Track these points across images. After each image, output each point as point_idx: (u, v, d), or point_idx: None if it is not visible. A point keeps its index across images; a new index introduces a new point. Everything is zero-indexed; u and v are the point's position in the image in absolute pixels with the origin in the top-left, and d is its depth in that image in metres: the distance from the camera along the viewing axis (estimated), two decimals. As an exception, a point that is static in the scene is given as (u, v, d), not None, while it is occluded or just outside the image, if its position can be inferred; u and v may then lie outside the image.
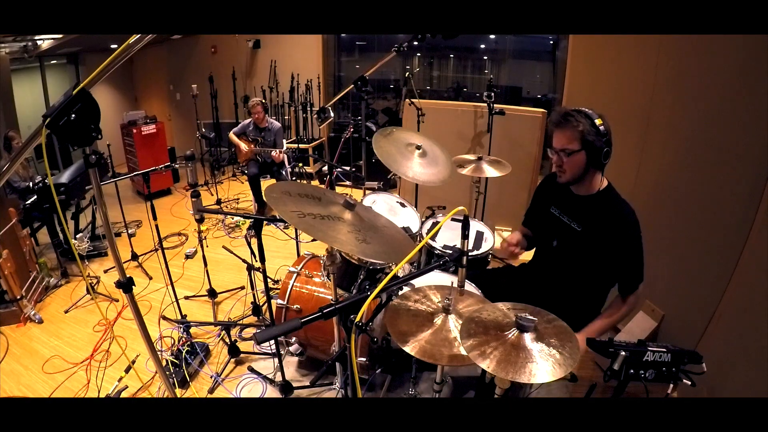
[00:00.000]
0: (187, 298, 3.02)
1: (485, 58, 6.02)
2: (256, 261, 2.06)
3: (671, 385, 1.38)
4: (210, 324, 2.75)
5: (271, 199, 1.28)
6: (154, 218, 2.67)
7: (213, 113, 6.21)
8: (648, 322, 2.38)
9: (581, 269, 1.68)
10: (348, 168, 4.23)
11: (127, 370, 2.31)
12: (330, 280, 1.72)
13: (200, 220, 2.29)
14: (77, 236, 3.69)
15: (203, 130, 5.56)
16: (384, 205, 2.52)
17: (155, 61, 6.67)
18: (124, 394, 2.19)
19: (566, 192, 1.71)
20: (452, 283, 1.29)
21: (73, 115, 1.04)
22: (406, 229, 2.13)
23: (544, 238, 1.87)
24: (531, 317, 1.09)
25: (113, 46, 1.72)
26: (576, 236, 1.67)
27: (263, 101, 4.42)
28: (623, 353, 1.35)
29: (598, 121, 1.52)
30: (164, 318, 2.82)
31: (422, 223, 2.42)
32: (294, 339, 2.17)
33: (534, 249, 2.01)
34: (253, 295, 2.79)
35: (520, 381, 0.97)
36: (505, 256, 1.92)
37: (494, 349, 1.04)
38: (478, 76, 6.02)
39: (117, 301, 3.01)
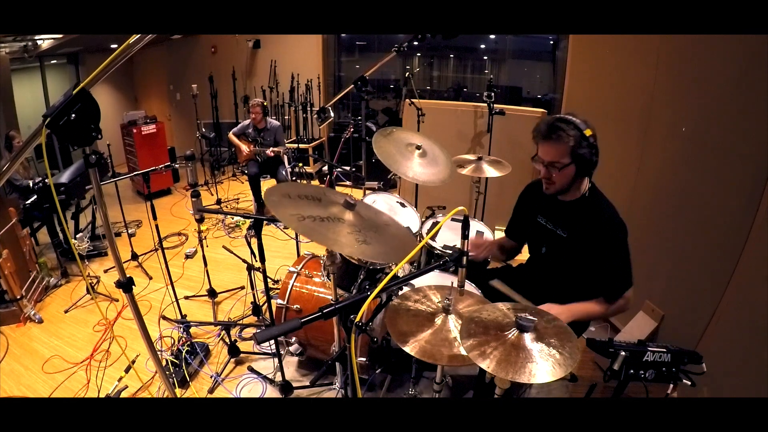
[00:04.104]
0: (187, 298, 3.02)
1: (485, 58, 6.01)
2: (256, 261, 2.06)
3: (671, 385, 1.38)
4: (210, 324, 2.75)
5: (271, 203, 1.26)
6: (154, 218, 2.67)
7: (213, 113, 6.21)
8: (648, 322, 2.38)
9: (570, 275, 1.67)
10: (348, 168, 4.23)
11: (127, 370, 2.31)
12: (330, 280, 1.72)
13: (200, 220, 2.30)
14: (77, 236, 3.69)
15: (203, 130, 5.56)
16: (384, 205, 2.51)
17: (155, 61, 6.67)
18: (124, 394, 2.19)
19: (550, 199, 1.67)
20: (452, 283, 1.29)
21: (73, 115, 1.04)
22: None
23: (533, 246, 1.87)
24: (531, 317, 1.09)
25: (113, 46, 1.72)
26: (562, 243, 1.66)
27: (264, 103, 4.35)
28: (623, 353, 1.35)
29: (587, 132, 1.47)
30: (164, 318, 2.82)
31: (422, 223, 2.42)
32: (294, 339, 2.17)
33: (518, 254, 2.02)
34: (253, 295, 2.79)
35: (520, 381, 0.97)
36: (473, 255, 1.88)
37: (494, 349, 1.04)
38: (478, 76, 6.01)
39: (117, 301, 3.00)
